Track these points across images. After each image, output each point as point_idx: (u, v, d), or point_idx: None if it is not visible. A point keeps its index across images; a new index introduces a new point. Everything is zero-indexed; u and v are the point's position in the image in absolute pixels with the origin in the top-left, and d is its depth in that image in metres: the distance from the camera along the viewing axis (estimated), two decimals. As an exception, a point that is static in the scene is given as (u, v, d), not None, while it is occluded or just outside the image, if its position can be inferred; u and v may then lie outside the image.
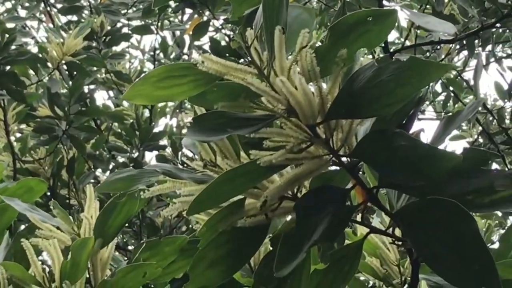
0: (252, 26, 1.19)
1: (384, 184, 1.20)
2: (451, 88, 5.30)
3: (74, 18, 5.69)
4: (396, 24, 1.30)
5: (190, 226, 4.14)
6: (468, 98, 5.77)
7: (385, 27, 1.16)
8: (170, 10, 5.02)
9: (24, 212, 1.50)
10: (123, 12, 5.23)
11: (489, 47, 4.67)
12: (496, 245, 2.05)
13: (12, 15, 5.06)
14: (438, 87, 5.99)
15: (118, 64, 5.45)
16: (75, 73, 4.23)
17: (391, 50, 3.59)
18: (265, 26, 1.13)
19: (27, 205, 1.53)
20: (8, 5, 6.01)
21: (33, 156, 4.22)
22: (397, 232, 1.31)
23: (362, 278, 2.06)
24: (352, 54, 1.17)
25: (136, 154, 4.83)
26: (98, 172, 4.85)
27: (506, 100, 5.18)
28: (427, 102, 6.11)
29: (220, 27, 4.92)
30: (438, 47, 4.80)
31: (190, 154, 1.31)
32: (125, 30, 5.33)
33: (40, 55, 3.95)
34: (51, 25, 5.29)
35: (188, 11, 5.38)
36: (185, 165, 1.27)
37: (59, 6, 5.56)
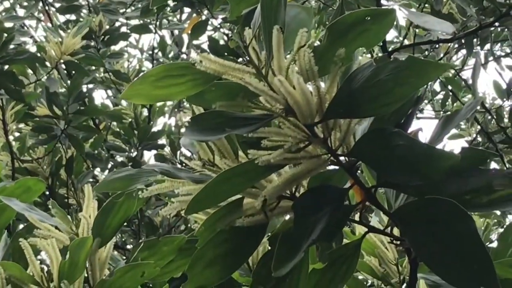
0: (250, 25, 1.19)
1: (382, 183, 1.20)
2: (449, 87, 5.30)
3: (73, 17, 5.70)
4: (395, 23, 1.30)
5: (189, 225, 4.15)
6: (466, 97, 5.77)
7: (383, 26, 1.16)
8: (168, 9, 5.02)
9: (22, 212, 1.50)
10: (121, 11, 5.23)
11: (487, 46, 4.67)
12: (494, 244, 2.05)
13: (10, 14, 5.06)
14: (436, 86, 5.99)
15: (117, 63, 5.45)
16: (73, 72, 4.22)
17: (390, 49, 3.60)
18: (263, 25, 1.13)
19: (25, 205, 1.53)
20: (7, 4, 6.01)
21: (31, 155, 4.22)
22: (396, 231, 1.32)
23: (360, 277, 2.06)
24: (351, 53, 1.16)
25: (134, 153, 4.82)
26: (97, 171, 4.85)
27: (504, 99, 5.18)
28: (426, 101, 6.11)
29: (218, 26, 4.92)
30: (437, 46, 4.81)
31: (189, 154, 1.31)
32: (123, 29, 5.33)
33: (39, 55, 3.94)
34: (49, 24, 5.28)
35: (187, 10, 5.39)
36: (184, 164, 1.27)
37: (57, 5, 5.55)
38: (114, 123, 5.00)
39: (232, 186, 1.13)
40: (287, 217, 1.24)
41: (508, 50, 5.86)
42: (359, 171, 1.27)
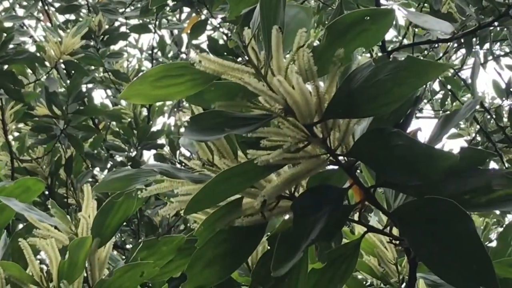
0: (249, 25, 1.19)
1: (381, 183, 1.20)
2: (449, 87, 5.30)
3: (72, 17, 5.70)
4: (394, 22, 1.30)
5: (188, 224, 4.15)
6: (466, 97, 5.77)
7: (382, 26, 1.16)
8: (168, 8, 5.02)
9: (22, 212, 1.50)
10: (121, 11, 5.23)
11: (487, 45, 4.67)
12: (494, 243, 2.06)
13: (10, 14, 5.06)
14: (436, 86, 5.99)
15: (116, 63, 5.45)
16: (73, 72, 4.22)
17: (389, 49, 3.60)
18: (262, 25, 1.13)
19: (24, 205, 1.53)
20: (6, 4, 6.01)
21: (31, 155, 4.22)
22: (395, 231, 1.32)
23: (360, 276, 2.06)
24: (350, 53, 1.17)
25: (134, 153, 4.82)
26: (96, 171, 4.85)
27: (504, 99, 5.18)
28: (425, 101, 6.11)
29: (218, 25, 4.92)
30: (436, 45, 4.81)
31: (188, 153, 1.31)
32: (123, 29, 5.33)
33: (38, 54, 3.94)
34: (49, 24, 5.28)
35: (186, 9, 5.39)
36: (183, 164, 1.27)
37: (57, 5, 5.55)
38: (114, 122, 5.00)
39: (231, 186, 1.13)
40: (286, 217, 1.24)
41: (507, 50, 5.86)
42: (358, 171, 1.27)
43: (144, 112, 5.15)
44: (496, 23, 3.38)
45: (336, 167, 1.19)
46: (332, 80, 1.12)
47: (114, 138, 4.97)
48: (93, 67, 4.63)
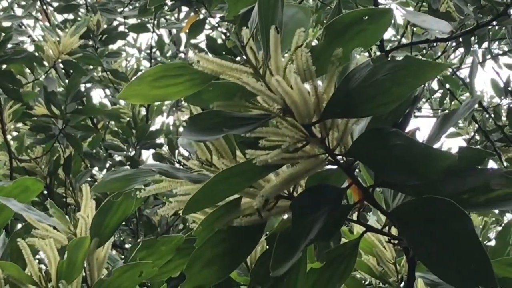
0: (247, 25, 1.19)
1: (379, 183, 1.20)
2: (447, 86, 5.30)
3: (70, 16, 5.70)
4: (392, 21, 1.30)
5: (187, 224, 4.15)
6: (464, 95, 5.77)
7: (380, 26, 1.16)
8: (166, 8, 5.02)
9: (20, 212, 1.50)
10: (119, 10, 5.23)
11: (485, 44, 4.67)
12: (492, 243, 2.06)
13: (8, 13, 5.05)
14: (434, 85, 5.99)
15: (115, 63, 5.44)
16: (71, 71, 4.22)
17: (387, 48, 3.60)
18: (261, 25, 1.13)
19: (23, 205, 1.53)
20: (4, 3, 6.00)
21: (29, 155, 4.22)
22: (393, 230, 1.32)
23: (358, 276, 2.06)
24: (348, 53, 1.17)
25: (132, 153, 4.82)
26: (95, 170, 4.84)
27: (502, 97, 5.19)
28: (424, 100, 6.11)
29: (216, 25, 4.92)
30: (435, 44, 4.81)
31: (187, 153, 1.31)
32: (121, 28, 5.32)
33: (37, 54, 3.94)
34: (47, 24, 5.28)
35: (185, 9, 5.39)
36: (182, 163, 1.27)
37: (55, 4, 5.54)
38: (112, 122, 5.00)
39: (230, 186, 1.13)
40: (285, 216, 1.24)
41: (506, 48, 5.87)
42: (357, 170, 1.27)
43: (143, 111, 5.15)
44: (494, 22, 3.38)
45: (334, 167, 1.19)
46: (331, 80, 1.12)
47: (113, 138, 4.97)
48: (91, 67, 4.64)
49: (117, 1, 5.22)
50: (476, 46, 4.55)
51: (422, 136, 1.27)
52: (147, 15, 5.01)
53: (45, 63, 4.02)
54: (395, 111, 1.16)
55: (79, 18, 5.36)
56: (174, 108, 5.26)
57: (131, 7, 5.29)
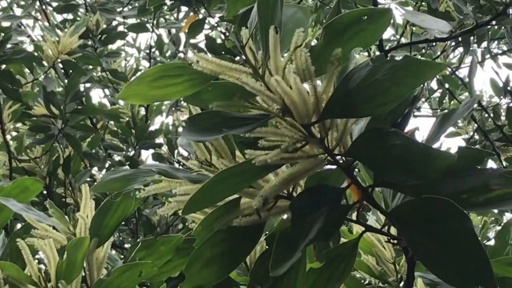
0: (247, 25, 1.19)
1: (379, 183, 1.20)
2: (446, 85, 5.30)
3: (70, 16, 5.69)
4: (392, 21, 1.30)
5: (187, 224, 4.14)
6: (463, 95, 5.77)
7: (379, 26, 1.16)
8: (165, 8, 5.02)
9: (20, 212, 1.50)
10: (118, 10, 5.22)
11: (484, 44, 4.67)
12: (492, 242, 2.06)
13: (7, 13, 5.05)
14: (434, 84, 5.99)
15: (114, 62, 5.44)
16: (70, 71, 4.22)
17: (387, 48, 3.60)
18: (260, 25, 1.13)
19: (22, 205, 1.52)
20: (4, 3, 6.00)
21: (29, 155, 4.22)
22: (393, 230, 1.32)
23: (358, 275, 2.06)
24: (347, 53, 1.17)
25: (132, 153, 4.82)
26: (94, 170, 4.84)
27: (501, 97, 5.19)
28: (423, 99, 6.12)
29: (215, 24, 4.92)
30: (434, 44, 4.81)
31: (186, 153, 1.31)
32: (120, 28, 5.32)
33: (36, 54, 3.94)
34: (46, 24, 5.28)
35: (184, 9, 5.39)
36: (182, 163, 1.27)
37: (54, 4, 5.54)
38: (112, 122, 4.99)
39: (229, 186, 1.14)
40: (285, 216, 1.24)
41: (505, 48, 5.87)
42: (356, 169, 1.27)
43: (142, 111, 5.15)
44: (493, 22, 3.38)
45: (334, 167, 1.19)
46: (330, 80, 1.13)
47: (112, 138, 4.97)
48: (91, 67, 4.63)
49: (116, 1, 5.22)
50: (475, 45, 4.55)
51: (421, 136, 1.27)
52: (147, 15, 5.02)
53: (45, 63, 4.02)
54: (394, 111, 1.16)
55: (78, 18, 5.35)
56: (173, 108, 5.26)
57: (130, 7, 5.28)
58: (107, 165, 4.80)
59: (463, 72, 5.80)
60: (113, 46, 5.35)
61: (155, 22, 5.42)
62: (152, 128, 4.96)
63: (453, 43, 4.96)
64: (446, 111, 1.29)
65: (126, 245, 4.82)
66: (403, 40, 4.78)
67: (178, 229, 4.43)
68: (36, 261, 1.54)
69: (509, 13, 3.20)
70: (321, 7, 4.44)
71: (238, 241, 1.22)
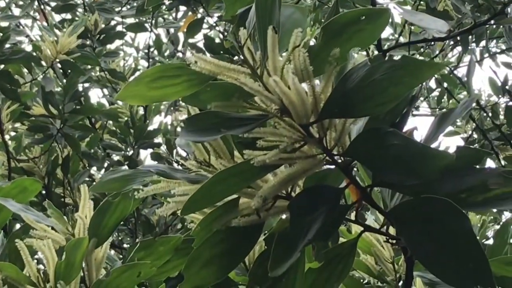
0: (245, 25, 1.19)
1: (377, 182, 1.20)
2: (445, 84, 5.30)
3: (68, 16, 5.69)
4: (390, 20, 1.30)
5: (186, 223, 4.14)
6: (462, 94, 5.77)
7: (378, 26, 1.16)
8: (164, 7, 5.01)
9: (18, 213, 1.50)
10: (117, 10, 5.22)
11: (483, 43, 4.67)
12: (491, 241, 2.06)
13: (6, 13, 5.04)
14: (432, 83, 5.99)
15: (112, 62, 5.44)
16: (69, 71, 4.22)
17: (385, 47, 3.60)
18: (258, 25, 1.13)
19: (21, 206, 1.52)
20: (2, 3, 6.00)
21: (27, 155, 4.22)
22: (391, 230, 1.32)
23: (357, 275, 2.06)
24: (345, 53, 1.17)
25: (131, 152, 4.82)
26: (93, 170, 4.84)
27: (500, 96, 5.19)
28: (422, 98, 6.11)
29: (214, 24, 4.92)
30: (432, 43, 4.81)
31: (185, 153, 1.31)
32: (119, 28, 5.32)
33: (34, 54, 3.94)
34: (45, 24, 5.28)
35: (182, 8, 5.39)
36: (180, 163, 1.27)
37: (53, 4, 5.55)
38: (110, 122, 5.00)
39: (228, 187, 1.14)
40: (283, 216, 1.24)
41: (503, 47, 5.87)
42: (355, 169, 1.27)
43: (141, 111, 5.15)
44: (492, 21, 3.38)
45: (332, 167, 1.19)
46: (328, 80, 1.13)
47: (111, 137, 4.97)
48: (89, 66, 4.63)
49: (114, 1, 5.22)
50: (473, 44, 4.55)
51: (420, 135, 1.27)
52: (145, 14, 5.01)
53: (43, 63, 4.02)
54: (392, 110, 1.16)
55: (76, 18, 5.36)
56: (172, 108, 5.26)
57: (128, 6, 5.28)
58: (105, 164, 4.81)
59: (461, 71, 5.82)
60: (111, 46, 5.35)
61: (153, 21, 5.42)
62: (150, 127, 4.96)
63: (452, 42, 4.96)
64: (444, 110, 1.29)
65: (125, 245, 4.81)
66: (401, 39, 4.78)
67: (177, 229, 4.43)
68: (35, 261, 1.54)
69: (507, 12, 3.19)
70: (320, 6, 4.44)
71: (237, 242, 1.23)
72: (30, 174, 4.05)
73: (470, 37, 4.19)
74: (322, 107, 1.11)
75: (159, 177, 1.23)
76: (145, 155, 7.55)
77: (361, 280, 2.04)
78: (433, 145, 1.20)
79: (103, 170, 4.81)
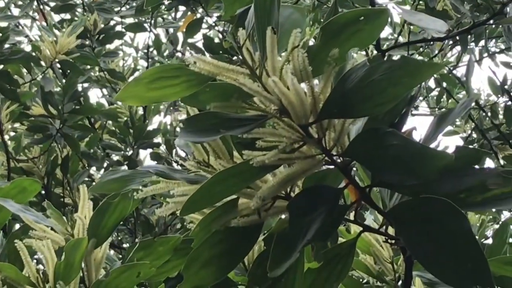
0: (244, 25, 1.19)
1: (376, 183, 1.20)
2: (444, 84, 5.30)
3: (67, 16, 5.69)
4: (389, 20, 1.30)
5: (185, 223, 4.14)
6: (461, 93, 5.77)
7: (376, 26, 1.16)
8: (163, 7, 5.02)
9: (18, 213, 1.50)
10: (116, 10, 5.22)
11: (482, 42, 4.67)
12: (490, 241, 2.06)
13: (5, 13, 5.05)
14: (431, 83, 5.99)
15: (112, 62, 5.44)
16: (68, 71, 4.22)
17: (385, 46, 3.60)
18: (257, 26, 1.13)
19: (20, 206, 1.52)
20: (1, 3, 6.00)
21: (27, 155, 4.21)
22: (390, 230, 1.32)
23: (356, 275, 2.06)
24: (344, 53, 1.17)
25: (130, 152, 4.82)
26: (93, 170, 4.84)
27: (499, 95, 5.19)
28: (421, 98, 6.11)
29: (213, 24, 4.92)
30: (432, 42, 4.81)
31: (184, 154, 1.31)
32: (118, 28, 5.32)
33: (34, 54, 3.94)
34: (44, 24, 5.27)
35: (182, 8, 5.39)
36: (180, 163, 1.27)
37: (52, 4, 5.55)
38: (110, 122, 5.00)
39: (227, 187, 1.14)
40: (283, 217, 1.24)
41: (503, 46, 5.87)
42: (354, 168, 1.27)
43: (140, 111, 5.15)
44: (490, 21, 3.38)
45: (331, 167, 1.19)
46: (327, 80, 1.13)
47: (110, 137, 4.97)
48: (88, 66, 4.63)
49: (114, 1, 5.22)
50: (473, 44, 4.55)
51: (419, 135, 1.28)
52: (144, 14, 5.01)
53: (42, 63, 4.02)
54: (391, 111, 1.16)
55: (76, 18, 5.36)
56: (171, 108, 5.26)
57: (128, 6, 5.28)
58: (105, 164, 4.80)
59: (461, 71, 5.81)
60: (111, 46, 5.35)
61: (152, 21, 5.42)
62: (150, 127, 4.96)
63: (451, 42, 4.96)
64: (444, 109, 1.30)
65: (125, 245, 4.81)
66: (400, 39, 4.78)
67: (177, 229, 4.43)
68: (34, 262, 1.54)
69: (506, 12, 3.20)
70: (319, 6, 4.44)
71: (236, 242, 1.23)
72: (30, 174, 4.05)
73: (469, 36, 4.19)
74: (321, 107, 1.11)
75: (158, 177, 1.23)
76: (144, 155, 7.54)
77: (361, 280, 2.04)
78: (432, 145, 1.20)
79: (102, 170, 4.81)
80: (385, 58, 1.11)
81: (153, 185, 1.24)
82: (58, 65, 4.14)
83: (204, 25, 4.71)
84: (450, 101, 5.63)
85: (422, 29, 4.27)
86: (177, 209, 1.20)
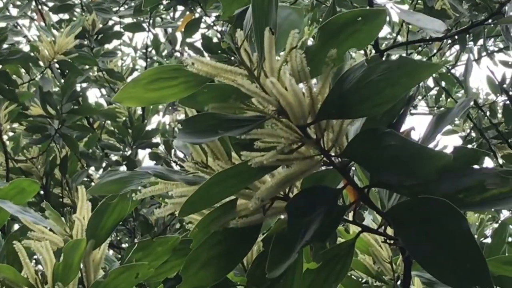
0: (242, 26, 1.19)
1: (375, 183, 1.20)
2: (443, 83, 5.30)
3: (66, 16, 5.69)
4: (388, 19, 1.30)
5: (184, 223, 4.14)
6: (460, 92, 5.78)
7: (374, 26, 1.16)
8: (162, 7, 5.02)
9: (16, 214, 1.50)
10: (114, 10, 5.22)
11: (480, 41, 4.67)
12: (489, 240, 2.06)
13: (3, 14, 5.04)
14: (430, 82, 5.99)
15: (110, 62, 5.44)
16: (67, 71, 4.22)
17: (383, 46, 3.60)
18: (255, 27, 1.13)
19: (19, 207, 1.52)
20: (-1, 4, 6.00)
21: (25, 155, 4.21)
22: (389, 230, 1.32)
23: (355, 275, 2.06)
24: (342, 54, 1.17)
25: (129, 152, 4.82)
26: (91, 170, 4.84)
27: (498, 94, 5.19)
28: (420, 97, 6.11)
29: (212, 24, 4.92)
30: (430, 42, 4.81)
31: (182, 155, 1.31)
32: (117, 28, 5.32)
33: (32, 54, 3.94)
34: (42, 24, 5.27)
35: (180, 8, 5.39)
36: (178, 164, 1.27)
37: (50, 4, 5.54)
38: (108, 122, 5.00)
39: (225, 188, 1.14)
40: (281, 217, 1.24)
41: (501, 45, 5.87)
42: (353, 168, 1.27)
43: (139, 111, 5.15)
44: (489, 21, 3.39)
45: (330, 167, 1.19)
46: (325, 81, 1.13)
47: (109, 137, 4.97)
48: (87, 66, 4.63)
49: (112, 1, 5.21)
50: (471, 43, 4.55)
51: (418, 134, 1.27)
52: (143, 14, 5.01)
53: (41, 63, 4.02)
54: (389, 111, 1.16)
55: (74, 18, 5.36)
56: (170, 108, 5.26)
57: (126, 6, 5.28)
58: (104, 165, 4.80)
59: (459, 70, 5.81)
60: (109, 46, 5.35)
61: (151, 21, 5.42)
62: (149, 127, 4.96)
63: (450, 41, 4.96)
64: (442, 109, 1.30)
65: (124, 245, 4.81)
66: (399, 38, 4.78)
67: (176, 229, 4.43)
68: (34, 262, 1.54)
69: (504, 11, 3.20)
70: (317, 6, 4.44)
71: (235, 243, 1.22)
72: (28, 175, 4.05)
73: (467, 35, 4.19)
74: (319, 108, 1.11)
75: (156, 179, 1.23)
76: (143, 155, 7.56)
77: (360, 280, 2.04)
78: (431, 145, 1.20)
79: (101, 170, 4.81)
80: (383, 58, 1.11)
81: (151, 186, 1.24)
82: (57, 65, 4.14)
83: (202, 25, 4.71)
84: (448, 100, 5.63)
85: (420, 28, 4.27)
86: (176, 210, 1.20)
